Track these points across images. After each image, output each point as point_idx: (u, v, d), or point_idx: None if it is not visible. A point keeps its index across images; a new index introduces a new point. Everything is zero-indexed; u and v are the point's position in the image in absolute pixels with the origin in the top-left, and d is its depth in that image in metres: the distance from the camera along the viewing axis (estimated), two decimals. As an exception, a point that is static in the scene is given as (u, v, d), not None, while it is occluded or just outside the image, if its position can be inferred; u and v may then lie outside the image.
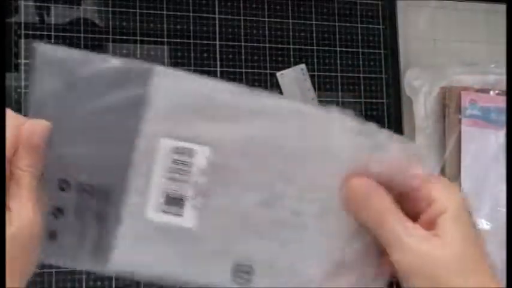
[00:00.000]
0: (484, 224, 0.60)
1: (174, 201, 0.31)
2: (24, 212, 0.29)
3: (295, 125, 0.32)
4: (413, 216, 0.30)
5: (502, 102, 0.63)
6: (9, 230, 0.28)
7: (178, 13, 0.60)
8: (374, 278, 0.31)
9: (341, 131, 0.33)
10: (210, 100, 0.33)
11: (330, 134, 0.33)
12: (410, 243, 0.29)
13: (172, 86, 0.32)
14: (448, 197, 0.30)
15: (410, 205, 0.31)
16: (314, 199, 0.31)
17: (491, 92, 0.63)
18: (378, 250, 0.31)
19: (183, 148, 0.31)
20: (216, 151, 0.31)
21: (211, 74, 0.60)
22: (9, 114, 0.32)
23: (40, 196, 0.30)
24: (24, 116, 0.32)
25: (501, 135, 0.62)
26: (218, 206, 0.31)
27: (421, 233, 0.29)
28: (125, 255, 0.31)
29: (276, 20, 0.62)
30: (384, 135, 0.35)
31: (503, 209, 0.61)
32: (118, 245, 0.31)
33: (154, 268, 0.32)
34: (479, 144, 0.62)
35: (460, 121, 0.62)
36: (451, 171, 0.61)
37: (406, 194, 0.31)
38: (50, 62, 0.31)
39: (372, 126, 0.34)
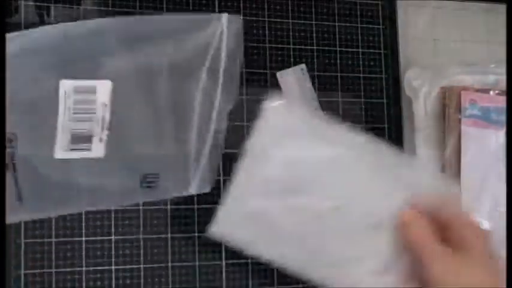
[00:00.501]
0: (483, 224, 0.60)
1: (82, 140, 0.33)
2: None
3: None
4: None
5: (502, 102, 0.63)
6: None
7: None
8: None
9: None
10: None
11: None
12: (438, 266, 0.34)
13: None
14: (475, 236, 0.36)
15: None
16: (377, 213, 0.39)
17: (491, 92, 0.63)
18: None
19: (83, 87, 0.33)
20: None
21: (211, 74, 0.60)
22: None
23: None
24: None
25: (501, 135, 0.62)
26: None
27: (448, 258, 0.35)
28: None
29: (276, 20, 0.62)
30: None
31: (503, 209, 0.61)
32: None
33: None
34: (479, 144, 0.62)
35: (459, 121, 0.62)
36: (451, 171, 0.61)
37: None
38: None
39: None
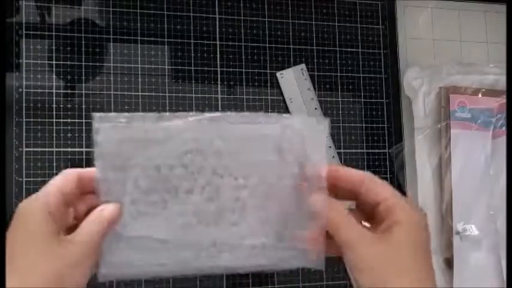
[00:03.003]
0: (474, 230, 0.60)
1: None
2: (80, 246, 0.33)
3: (216, 128, 0.37)
4: (374, 222, 0.35)
5: (491, 103, 0.63)
6: (60, 256, 0.32)
7: (178, 13, 0.60)
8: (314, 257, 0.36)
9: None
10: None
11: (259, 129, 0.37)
12: (359, 244, 0.33)
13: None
14: (405, 211, 0.34)
15: (370, 213, 0.35)
16: (249, 185, 0.37)
17: (480, 94, 0.63)
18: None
19: None
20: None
21: (211, 73, 0.60)
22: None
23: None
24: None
25: (490, 137, 0.62)
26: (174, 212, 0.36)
27: (371, 236, 0.33)
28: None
29: (276, 20, 0.63)
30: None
31: (494, 212, 0.61)
32: None
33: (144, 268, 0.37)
34: (469, 147, 0.62)
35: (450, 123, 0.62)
36: (444, 172, 0.61)
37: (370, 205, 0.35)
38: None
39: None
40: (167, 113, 0.35)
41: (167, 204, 0.36)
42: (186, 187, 0.36)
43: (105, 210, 0.35)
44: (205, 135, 0.36)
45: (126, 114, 0.35)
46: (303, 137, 0.36)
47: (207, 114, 0.36)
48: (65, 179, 0.35)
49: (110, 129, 0.35)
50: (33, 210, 0.33)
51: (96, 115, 0.35)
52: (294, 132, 0.36)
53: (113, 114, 0.35)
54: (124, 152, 0.35)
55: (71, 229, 0.34)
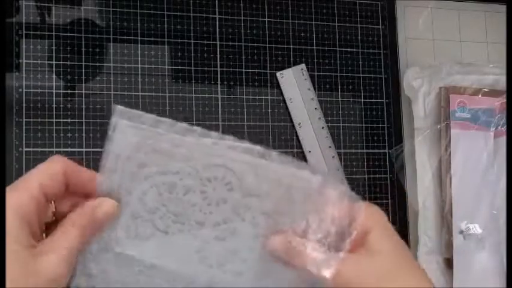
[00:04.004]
0: (477, 229, 0.60)
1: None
2: (54, 258, 0.29)
3: (251, 162, 0.32)
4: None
5: (491, 103, 0.63)
6: (36, 272, 0.28)
7: (178, 13, 0.60)
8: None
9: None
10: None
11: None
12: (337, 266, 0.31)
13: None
14: (370, 218, 0.32)
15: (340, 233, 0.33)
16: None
17: (480, 94, 0.63)
18: None
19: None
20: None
21: (211, 73, 0.60)
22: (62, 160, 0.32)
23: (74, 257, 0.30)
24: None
25: (491, 137, 0.62)
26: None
27: (348, 255, 0.31)
28: None
29: (276, 20, 0.63)
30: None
31: (497, 212, 0.61)
32: None
33: None
34: (469, 147, 0.62)
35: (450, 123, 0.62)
36: (445, 172, 0.61)
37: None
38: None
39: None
40: (199, 128, 0.31)
41: (170, 230, 0.32)
42: (198, 218, 0.31)
43: (102, 207, 0.31)
44: (237, 166, 0.31)
45: (151, 116, 0.31)
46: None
47: (246, 144, 0.31)
48: (50, 172, 0.31)
49: (129, 128, 0.31)
50: (7, 212, 0.29)
51: (118, 108, 0.31)
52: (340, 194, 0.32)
53: (136, 111, 0.30)
54: (138, 159, 0.31)
55: (49, 227, 0.31)
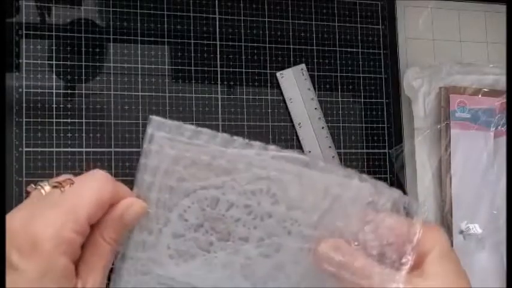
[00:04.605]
0: (477, 229, 0.60)
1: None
2: (92, 282, 0.28)
3: (298, 172, 0.30)
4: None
5: (491, 103, 0.63)
6: None
7: (178, 13, 0.60)
8: None
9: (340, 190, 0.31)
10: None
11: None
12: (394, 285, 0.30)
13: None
14: (433, 238, 0.32)
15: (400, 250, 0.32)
16: None
17: (480, 94, 0.63)
18: None
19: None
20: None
21: (211, 73, 0.60)
22: (108, 177, 0.30)
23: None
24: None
25: (491, 137, 0.62)
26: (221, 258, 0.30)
27: (404, 276, 0.30)
28: None
29: (276, 20, 0.63)
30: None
31: (497, 212, 0.61)
32: None
33: None
34: (469, 147, 0.62)
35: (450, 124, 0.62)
36: (445, 172, 0.61)
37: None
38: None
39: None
40: (240, 138, 0.29)
41: (213, 248, 0.30)
42: (242, 233, 0.30)
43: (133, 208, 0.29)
44: (281, 177, 0.29)
45: (190, 127, 0.29)
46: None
47: (291, 153, 0.30)
48: (100, 203, 0.28)
49: (166, 140, 0.29)
50: (48, 248, 0.27)
51: (154, 119, 0.29)
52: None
53: (173, 123, 0.29)
54: (177, 172, 0.29)
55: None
